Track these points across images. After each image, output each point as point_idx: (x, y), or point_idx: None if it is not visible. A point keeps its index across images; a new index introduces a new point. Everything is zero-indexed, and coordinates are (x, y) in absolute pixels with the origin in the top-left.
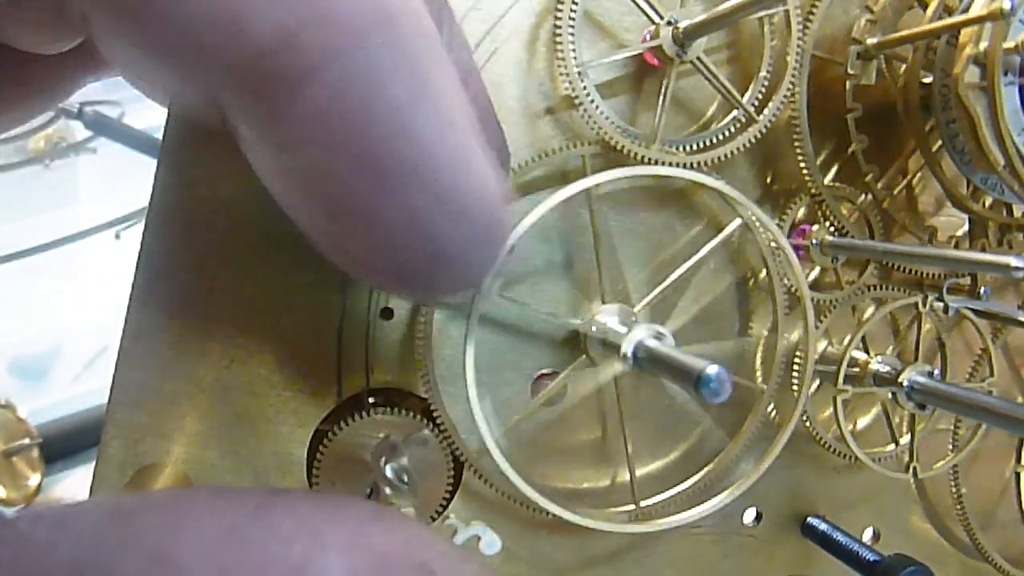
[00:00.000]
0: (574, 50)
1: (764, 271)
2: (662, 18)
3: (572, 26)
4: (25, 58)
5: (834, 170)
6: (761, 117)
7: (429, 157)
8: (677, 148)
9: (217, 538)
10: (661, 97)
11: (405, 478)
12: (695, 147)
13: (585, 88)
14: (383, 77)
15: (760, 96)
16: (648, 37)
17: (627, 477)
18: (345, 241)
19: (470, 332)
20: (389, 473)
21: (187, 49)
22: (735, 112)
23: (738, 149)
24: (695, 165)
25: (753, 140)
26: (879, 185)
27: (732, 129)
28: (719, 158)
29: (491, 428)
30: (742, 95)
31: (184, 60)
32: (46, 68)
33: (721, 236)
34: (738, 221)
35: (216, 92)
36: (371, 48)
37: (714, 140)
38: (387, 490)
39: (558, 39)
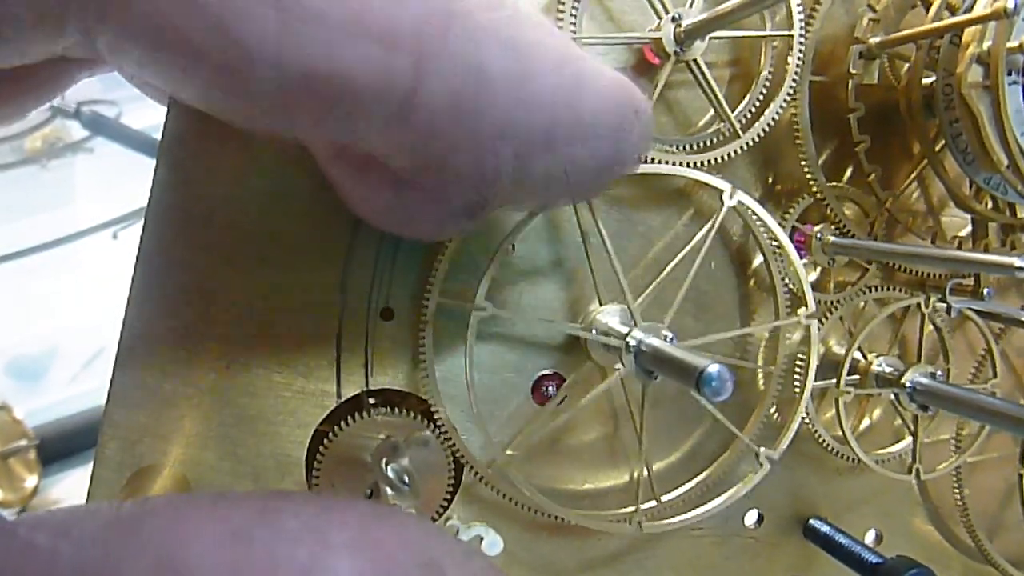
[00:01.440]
0: (574, 21)
1: (765, 271)
2: (668, 12)
3: (577, 3)
4: None
5: (836, 170)
6: (746, 134)
7: (566, 115)
8: (676, 148)
9: (224, 541)
10: (650, 91)
11: (406, 479)
12: (692, 147)
13: None
14: (478, 59)
15: (759, 99)
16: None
17: (631, 478)
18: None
19: (471, 334)
20: (390, 474)
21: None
22: (720, 125)
23: (732, 153)
24: (696, 164)
25: (733, 154)
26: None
27: (713, 140)
28: (719, 158)
29: (493, 432)
30: (734, 108)
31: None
32: (42, 63)
33: (711, 224)
34: (726, 209)
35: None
36: (451, 42)
37: (696, 146)
38: (388, 491)
39: (560, 8)
